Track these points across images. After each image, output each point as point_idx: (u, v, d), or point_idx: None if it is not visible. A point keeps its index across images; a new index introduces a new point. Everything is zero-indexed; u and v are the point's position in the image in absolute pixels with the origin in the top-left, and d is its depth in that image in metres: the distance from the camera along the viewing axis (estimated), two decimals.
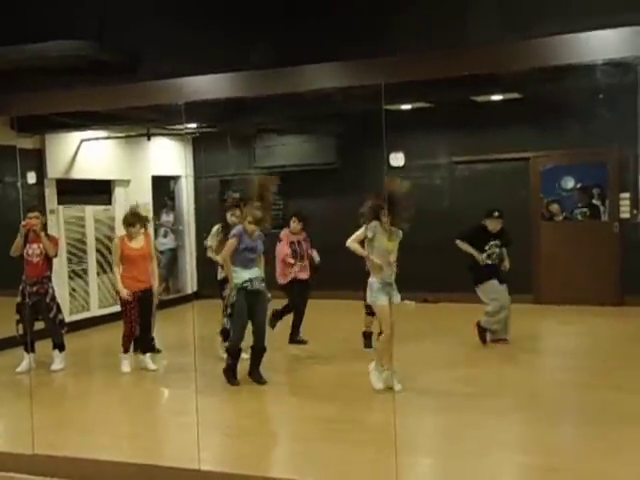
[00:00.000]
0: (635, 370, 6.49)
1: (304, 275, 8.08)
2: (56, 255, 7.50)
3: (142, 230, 7.32)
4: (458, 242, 7.82)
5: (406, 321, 6.78)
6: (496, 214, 7.79)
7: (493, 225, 7.82)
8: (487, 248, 7.80)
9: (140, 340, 7.34)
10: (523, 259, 9.13)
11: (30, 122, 7.91)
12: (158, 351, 7.80)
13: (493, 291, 7.75)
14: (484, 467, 4.68)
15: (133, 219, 7.24)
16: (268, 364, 6.77)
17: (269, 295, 6.79)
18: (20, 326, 7.16)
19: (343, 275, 8.54)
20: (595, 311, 9.11)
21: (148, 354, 7.38)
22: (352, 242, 6.27)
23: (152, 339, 7.64)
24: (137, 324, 7.16)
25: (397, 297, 6.23)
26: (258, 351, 6.58)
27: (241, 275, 6.47)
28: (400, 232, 6.28)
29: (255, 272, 6.55)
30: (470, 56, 4.00)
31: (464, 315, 8.21)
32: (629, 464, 4.51)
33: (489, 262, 7.82)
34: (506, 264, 7.85)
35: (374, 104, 4.43)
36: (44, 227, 7.58)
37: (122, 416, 6.19)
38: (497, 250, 7.82)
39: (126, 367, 7.26)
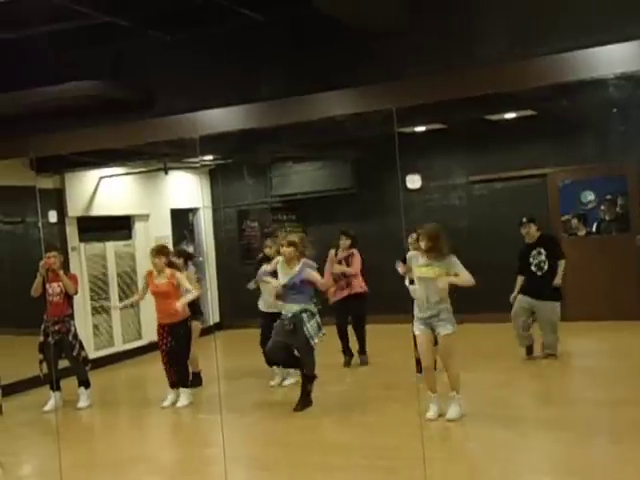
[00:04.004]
0: None
1: (343, 293, 7.98)
2: (76, 293, 7.54)
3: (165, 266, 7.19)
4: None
5: None
6: (524, 220, 7.84)
7: (525, 231, 7.81)
8: (532, 259, 7.79)
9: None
10: None
11: (49, 162, 8.02)
12: (194, 384, 7.48)
13: (517, 303, 7.73)
14: None
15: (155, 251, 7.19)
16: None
17: None
18: (43, 365, 7.17)
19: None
20: (621, 326, 8.97)
21: (181, 388, 7.14)
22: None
23: (187, 374, 7.29)
24: (165, 355, 7.08)
25: (444, 328, 5.88)
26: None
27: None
28: (450, 259, 5.80)
29: None
30: (480, 76, 4.01)
31: (488, 334, 8.12)
32: None
33: (539, 273, 7.76)
34: (557, 280, 7.71)
35: (388, 128, 4.44)
36: (64, 265, 7.63)
37: (150, 452, 6.16)
38: (542, 258, 7.75)
39: (165, 402, 7.07)
